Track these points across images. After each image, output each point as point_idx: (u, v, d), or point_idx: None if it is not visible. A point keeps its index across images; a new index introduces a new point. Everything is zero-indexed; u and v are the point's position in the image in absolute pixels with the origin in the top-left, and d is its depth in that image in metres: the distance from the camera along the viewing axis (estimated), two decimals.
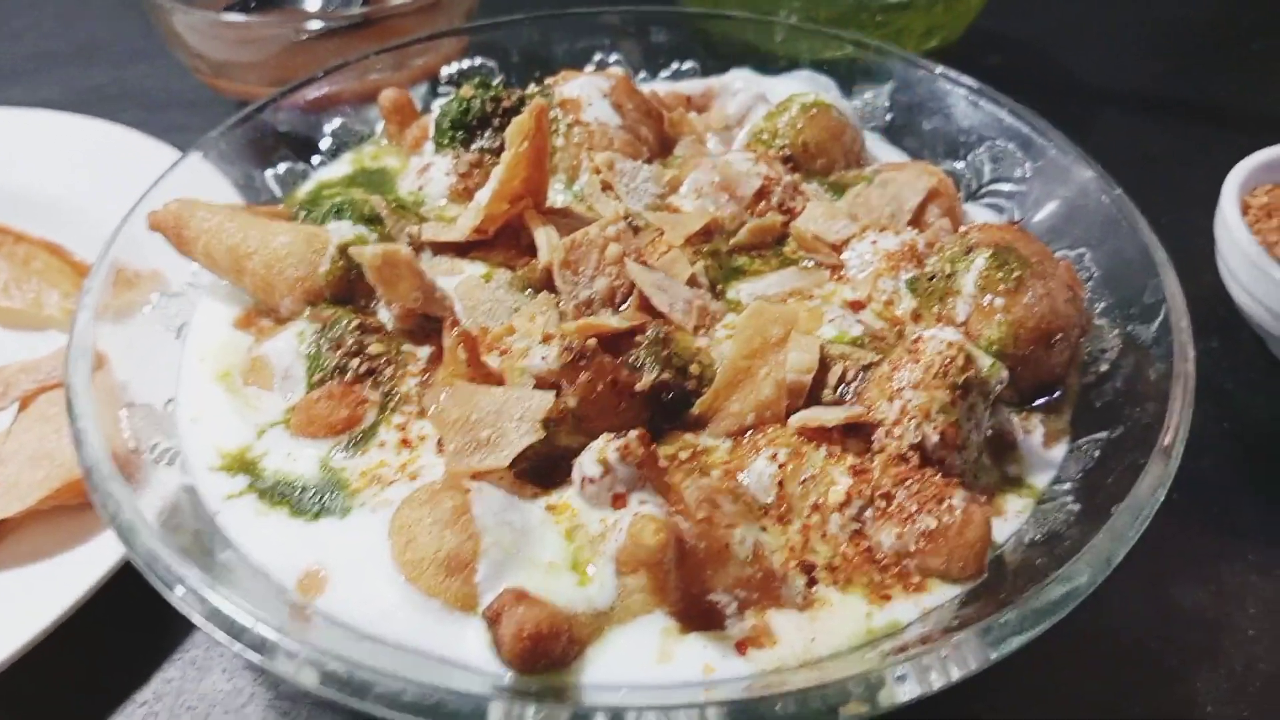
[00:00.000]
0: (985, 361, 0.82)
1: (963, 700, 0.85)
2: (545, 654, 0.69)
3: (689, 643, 0.72)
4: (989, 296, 0.88)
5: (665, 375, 0.85)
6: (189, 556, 0.73)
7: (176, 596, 0.70)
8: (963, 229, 0.98)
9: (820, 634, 0.73)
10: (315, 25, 1.37)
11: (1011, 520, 0.82)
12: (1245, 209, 1.18)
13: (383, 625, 0.74)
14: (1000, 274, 0.89)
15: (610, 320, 0.89)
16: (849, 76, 1.29)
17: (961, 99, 1.19)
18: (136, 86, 1.78)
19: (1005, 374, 0.83)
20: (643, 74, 1.37)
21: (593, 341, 0.84)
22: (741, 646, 0.72)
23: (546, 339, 0.84)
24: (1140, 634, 0.94)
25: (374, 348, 0.91)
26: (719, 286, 1.00)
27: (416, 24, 1.45)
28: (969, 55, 1.64)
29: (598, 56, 1.36)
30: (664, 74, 1.37)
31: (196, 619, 0.69)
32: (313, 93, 1.22)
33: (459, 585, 0.73)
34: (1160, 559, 0.94)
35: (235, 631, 0.67)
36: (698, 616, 0.74)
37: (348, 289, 0.97)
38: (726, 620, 0.74)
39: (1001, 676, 0.71)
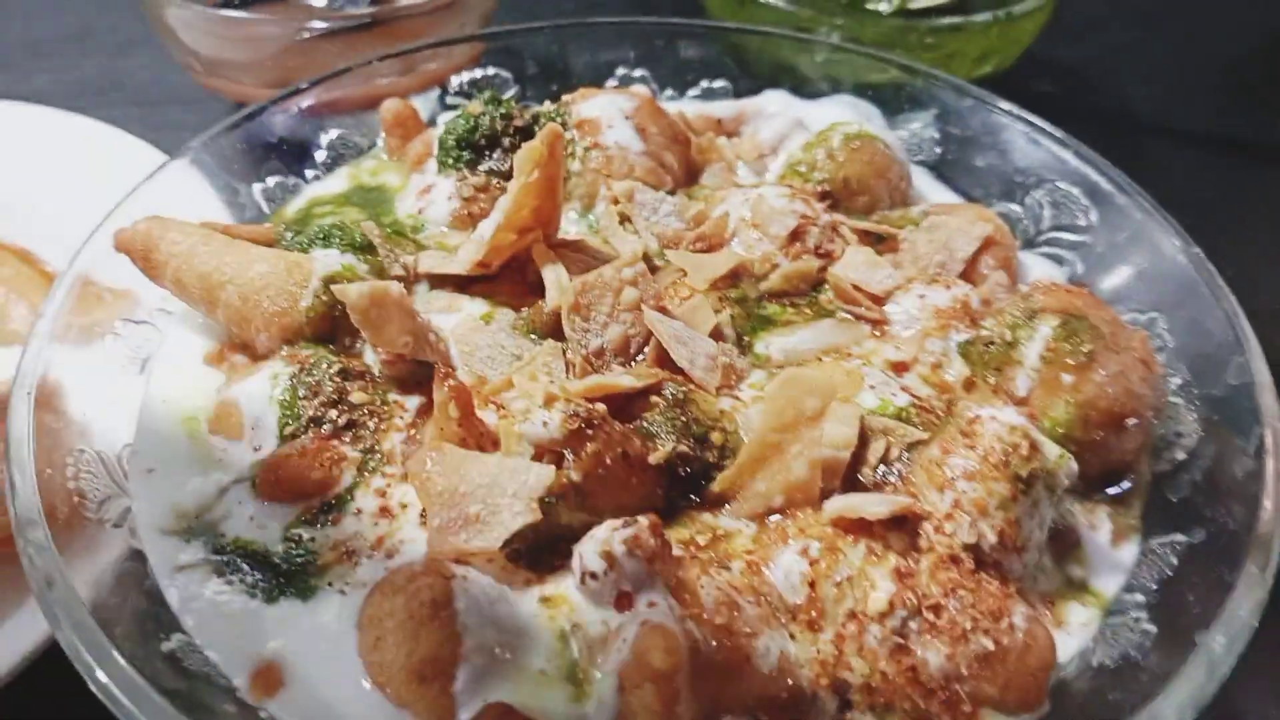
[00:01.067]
0: (1053, 451, 0.72)
1: None
2: None
3: None
4: (1056, 371, 0.77)
5: (683, 446, 0.74)
6: (124, 644, 0.63)
7: (103, 694, 0.60)
8: (1024, 288, 0.87)
9: None
10: (317, 24, 1.26)
11: (1076, 635, 0.72)
12: None
13: None
14: (1069, 346, 0.78)
15: (622, 379, 0.78)
16: (894, 104, 1.18)
17: (1019, 134, 1.09)
18: (130, 79, 1.69)
19: (1075, 466, 0.72)
20: (669, 92, 1.26)
21: (601, 407, 0.73)
22: None
23: (549, 401, 0.73)
24: None
25: (356, 396, 0.81)
26: (746, 339, 0.89)
27: (428, 26, 1.35)
28: (1020, 82, 1.54)
29: (621, 71, 1.26)
30: (692, 92, 1.27)
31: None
32: (311, 99, 1.12)
33: (434, 695, 0.63)
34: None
35: None
36: None
37: (331, 326, 0.87)
38: None
39: None
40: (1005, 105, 1.10)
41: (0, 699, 0.77)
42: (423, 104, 1.24)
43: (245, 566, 0.73)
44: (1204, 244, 1.28)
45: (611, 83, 1.25)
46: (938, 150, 1.15)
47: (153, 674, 0.62)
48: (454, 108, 1.21)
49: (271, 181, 1.09)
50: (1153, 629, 0.69)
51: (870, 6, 1.47)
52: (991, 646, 0.64)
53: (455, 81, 1.23)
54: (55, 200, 1.26)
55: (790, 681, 0.65)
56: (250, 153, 1.08)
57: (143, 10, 1.34)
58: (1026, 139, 1.08)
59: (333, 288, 0.82)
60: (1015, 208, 1.08)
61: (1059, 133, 1.06)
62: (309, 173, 1.12)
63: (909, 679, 0.66)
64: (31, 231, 1.24)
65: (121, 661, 0.61)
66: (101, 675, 0.61)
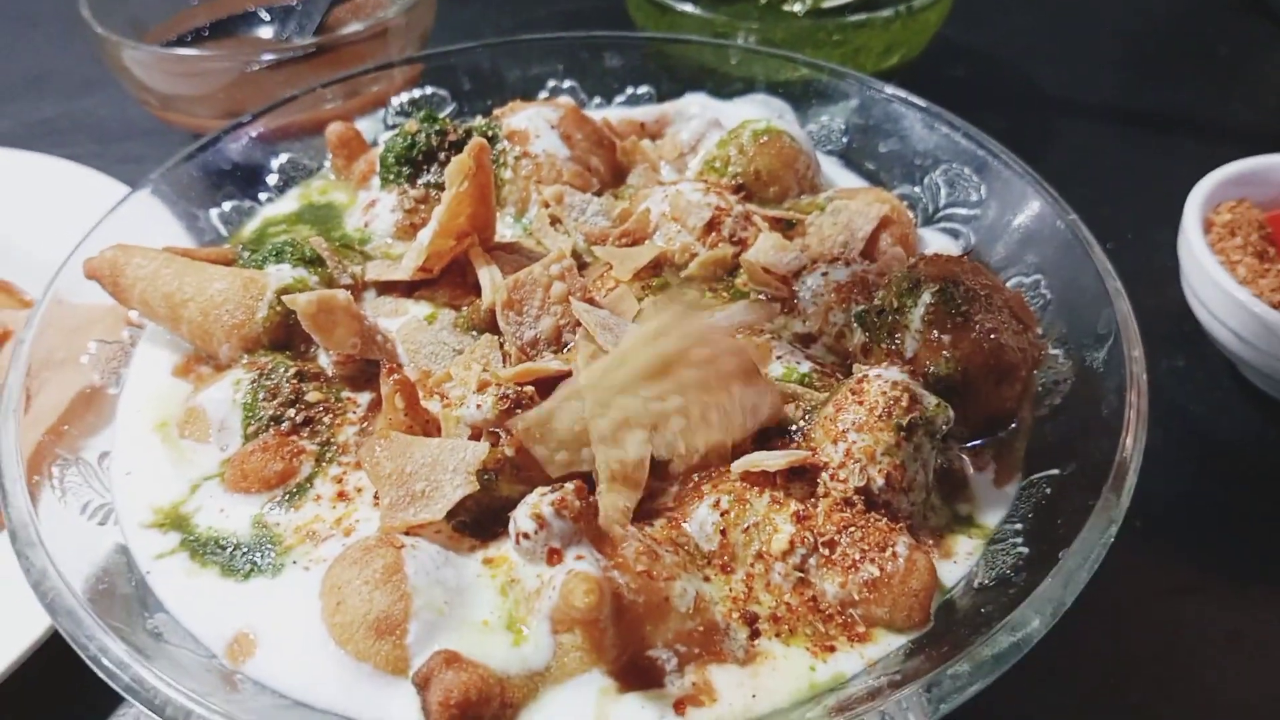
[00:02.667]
0: (930, 401, 0.81)
1: None
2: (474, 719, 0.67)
3: (626, 703, 0.70)
4: (935, 332, 0.86)
5: None
6: (116, 624, 0.71)
7: (103, 671, 0.68)
8: (911, 261, 0.96)
9: (762, 690, 0.71)
10: (266, 57, 1.34)
11: (961, 563, 0.80)
12: (1208, 227, 1.17)
13: (312, 691, 0.71)
14: (946, 308, 0.87)
15: (550, 364, 0.87)
16: (805, 99, 1.27)
17: (917, 122, 1.18)
18: (89, 117, 1.77)
19: (951, 413, 0.81)
20: (598, 99, 1.35)
21: (530, 389, 0.82)
22: (680, 705, 0.70)
23: (482, 387, 0.82)
24: (1101, 667, 0.92)
25: (311, 395, 0.89)
26: None
27: (369, 51, 1.43)
28: (933, 67, 1.63)
29: (551, 83, 1.34)
30: (619, 99, 1.35)
31: (122, 692, 0.67)
32: (261, 127, 1.20)
33: (389, 648, 0.71)
34: (1119, 588, 0.91)
35: (159, 707, 0.65)
36: (636, 674, 0.71)
37: (286, 334, 0.95)
38: (666, 677, 0.72)
39: (956, 714, 0.69)
40: (902, 95, 1.19)
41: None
42: (368, 124, 1.33)
43: (217, 551, 0.81)
44: (1109, 210, 1.38)
45: (543, 94, 1.34)
46: (845, 140, 1.24)
47: (139, 646, 0.71)
48: (395, 127, 1.29)
49: (228, 206, 1.17)
50: (1025, 550, 0.78)
51: (786, 8, 1.56)
52: (877, 573, 0.73)
53: (396, 101, 1.31)
54: (28, 235, 1.34)
55: (705, 617, 0.74)
56: (206, 180, 1.16)
57: (97, 53, 1.42)
58: (923, 125, 1.17)
59: (284, 298, 0.90)
60: (915, 189, 1.17)
61: (951, 117, 1.14)
62: (262, 195, 1.20)
63: (810, 607, 0.75)
64: (8, 265, 1.32)
65: (109, 638, 0.69)
66: (93, 650, 0.69)
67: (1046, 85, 1.78)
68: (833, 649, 0.73)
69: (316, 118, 1.27)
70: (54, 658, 0.86)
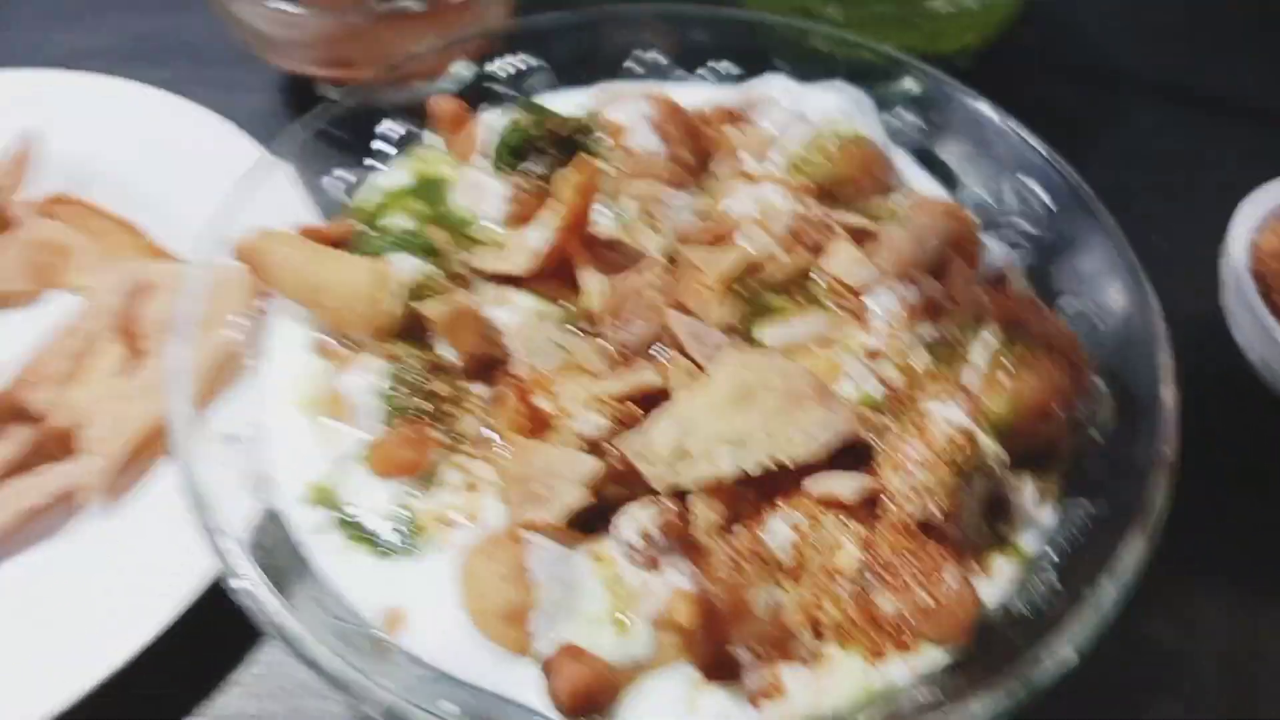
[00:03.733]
0: (988, 445, 0.92)
1: None
2: (594, 706, 0.82)
3: (711, 693, 0.85)
4: (995, 372, 0.97)
5: None
6: (284, 591, 0.86)
7: (275, 631, 0.83)
8: (980, 295, 1.06)
9: (824, 691, 0.86)
10: (368, 16, 1.41)
11: (1000, 583, 0.93)
12: (1255, 249, 1.25)
13: (454, 663, 0.87)
14: (1007, 351, 0.97)
15: (648, 376, 0.98)
16: (885, 89, 1.33)
17: (993, 129, 1.24)
18: (186, 35, 1.81)
19: (1006, 456, 0.93)
20: (679, 71, 1.41)
21: (635, 408, 0.94)
22: (755, 699, 0.85)
23: (594, 404, 0.94)
24: (1106, 665, 1.06)
25: (439, 387, 1.02)
26: (748, 328, 1.09)
27: (466, 5, 1.49)
28: (1007, 33, 1.66)
29: (637, 52, 1.40)
30: (701, 71, 1.42)
31: (300, 662, 0.82)
32: (372, 92, 1.28)
33: (517, 633, 0.86)
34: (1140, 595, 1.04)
35: (329, 675, 0.80)
36: (719, 668, 0.86)
37: (413, 324, 1.06)
38: (744, 672, 0.86)
39: None
40: (983, 103, 1.25)
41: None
42: (461, 69, 1.41)
43: (364, 530, 0.95)
44: (1163, 200, 1.45)
45: (629, 64, 1.40)
46: (919, 137, 1.31)
47: (309, 617, 0.85)
48: (494, 94, 1.36)
49: (343, 173, 1.26)
50: (1057, 584, 0.91)
51: None
52: (928, 599, 0.87)
53: (491, 67, 1.38)
54: (149, 176, 1.44)
55: (778, 622, 0.88)
56: (324, 148, 1.25)
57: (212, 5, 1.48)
58: (998, 134, 1.23)
59: (416, 305, 1.01)
60: (983, 194, 1.25)
61: (1025, 130, 1.21)
62: (372, 161, 1.29)
63: (868, 620, 0.89)
64: (130, 204, 1.43)
65: (287, 612, 0.84)
66: (277, 619, 0.83)
67: (1117, 57, 1.80)
68: (882, 654, 0.88)
69: (414, 71, 1.35)
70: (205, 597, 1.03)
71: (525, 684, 0.85)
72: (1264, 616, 1.12)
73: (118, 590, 1.04)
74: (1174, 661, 1.07)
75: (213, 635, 1.06)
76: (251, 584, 0.85)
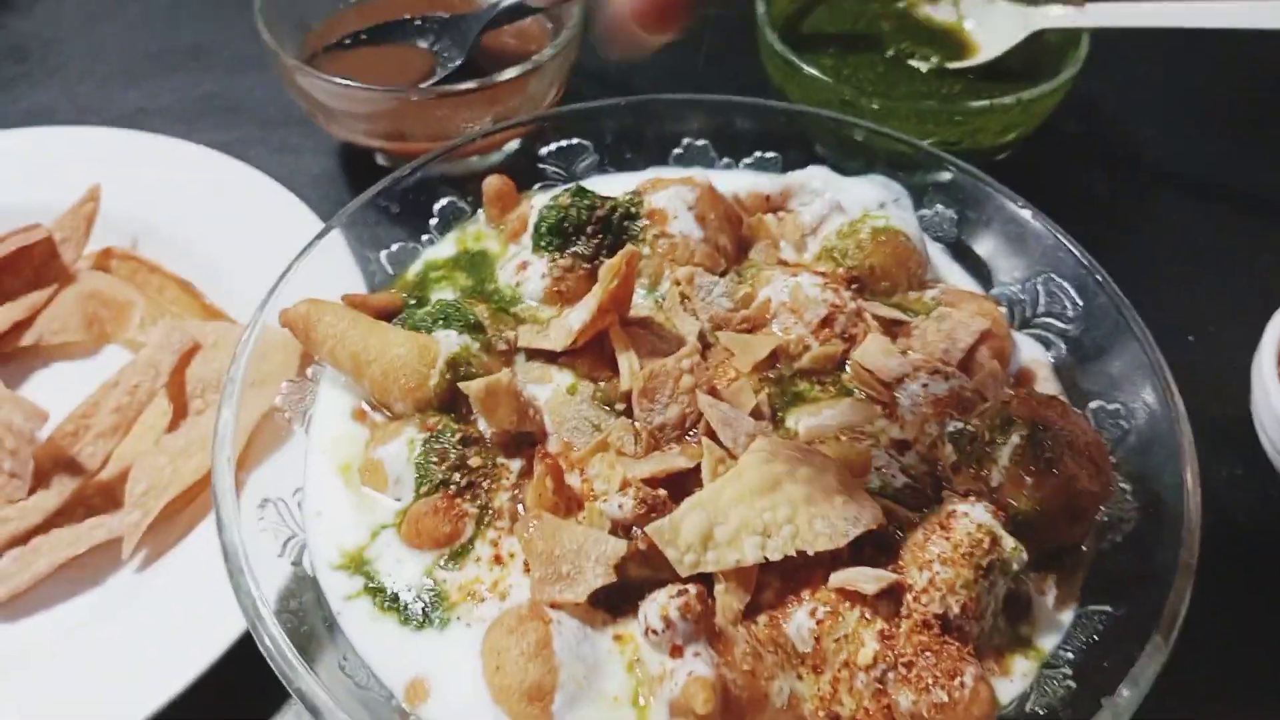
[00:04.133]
0: (1009, 544, 0.93)
1: None
2: None
3: None
4: (1020, 471, 0.98)
5: None
6: (312, 657, 0.88)
7: (300, 698, 0.85)
8: (1007, 393, 1.07)
9: None
10: (426, 93, 1.47)
11: (1017, 682, 0.94)
12: None
13: None
14: (1032, 452, 0.99)
15: (678, 461, 1.01)
16: (922, 182, 1.37)
17: (1028, 227, 1.26)
18: (249, 97, 1.89)
19: (1026, 556, 0.94)
20: (726, 160, 1.45)
21: (663, 494, 0.96)
22: None
23: (624, 486, 0.96)
24: None
25: (473, 460, 1.04)
26: (779, 415, 1.11)
27: (520, 84, 1.54)
28: (1051, 121, 1.68)
29: (686, 140, 1.45)
30: (746, 161, 1.46)
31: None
32: (426, 171, 1.33)
33: (538, 712, 0.87)
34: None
35: None
36: None
37: (452, 396, 1.10)
38: None
39: None
40: (1018, 202, 1.27)
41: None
42: (513, 144, 1.46)
43: (395, 600, 0.97)
44: (1193, 296, 1.46)
45: (677, 151, 1.45)
46: (955, 230, 1.34)
47: (332, 683, 0.88)
48: (544, 174, 1.41)
49: (395, 247, 1.31)
50: (1074, 685, 0.91)
51: (911, 63, 1.64)
52: (946, 698, 0.87)
53: (544, 151, 1.43)
54: (207, 238, 1.49)
55: (796, 712, 0.89)
56: (378, 222, 1.30)
57: (273, 65, 1.55)
58: (1033, 232, 1.26)
59: (460, 385, 1.05)
60: (1016, 290, 1.27)
61: (1058, 229, 1.23)
62: (424, 236, 1.34)
63: (884, 714, 0.90)
64: (188, 264, 1.48)
65: (312, 680, 0.86)
66: (302, 685, 0.86)
67: (1155, 148, 1.82)
68: None
69: (468, 148, 1.40)
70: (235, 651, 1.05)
71: None
72: None
73: (148, 644, 1.07)
74: None
75: (239, 695, 1.09)
76: (277, 646, 0.87)
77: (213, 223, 1.50)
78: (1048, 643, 0.97)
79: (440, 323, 1.13)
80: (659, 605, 0.90)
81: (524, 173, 1.41)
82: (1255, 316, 1.30)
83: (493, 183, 1.33)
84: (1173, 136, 1.85)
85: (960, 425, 1.06)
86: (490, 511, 1.02)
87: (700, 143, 1.45)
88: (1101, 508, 1.03)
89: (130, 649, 1.08)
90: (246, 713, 1.10)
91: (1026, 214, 1.27)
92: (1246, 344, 1.30)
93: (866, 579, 0.93)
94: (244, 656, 0.99)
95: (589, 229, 1.24)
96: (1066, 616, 0.99)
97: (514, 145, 1.48)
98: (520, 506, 1.03)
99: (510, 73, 1.47)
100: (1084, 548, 1.03)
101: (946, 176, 1.35)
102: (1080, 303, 1.20)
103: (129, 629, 1.10)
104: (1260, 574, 1.24)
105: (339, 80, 1.45)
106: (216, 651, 1.05)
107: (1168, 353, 1.09)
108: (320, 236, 1.22)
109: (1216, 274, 1.59)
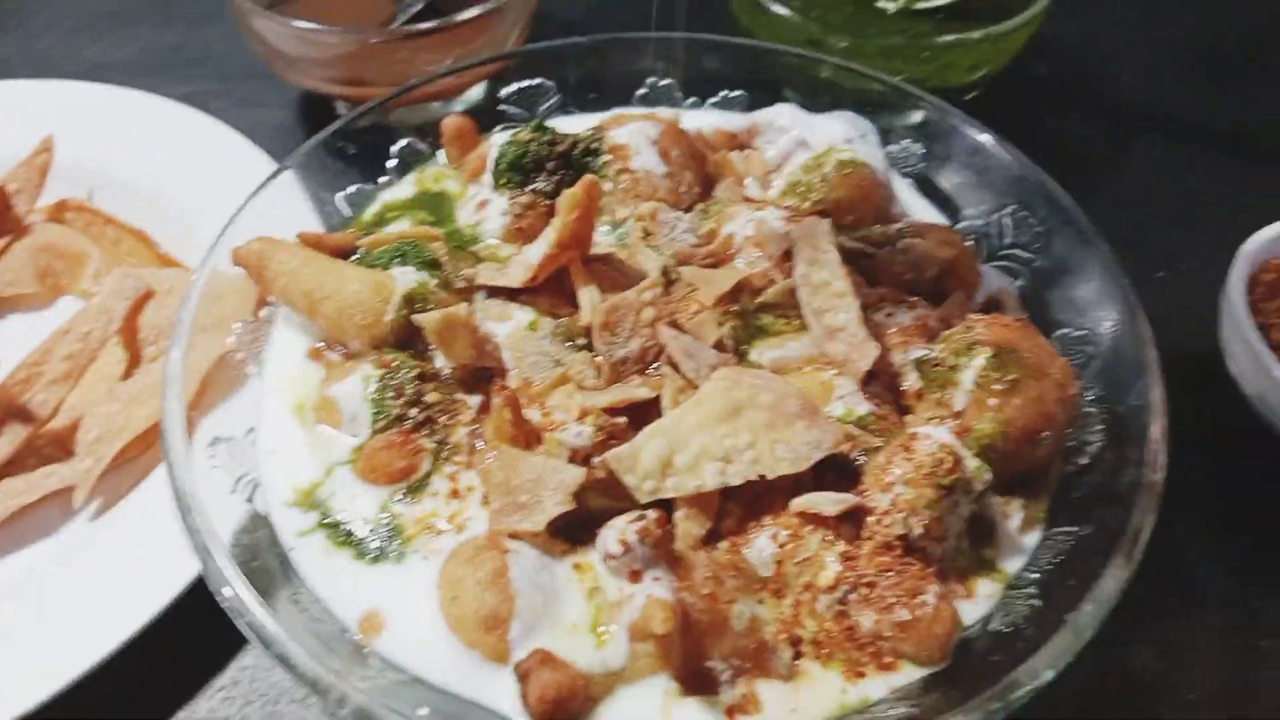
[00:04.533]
0: (972, 464, 0.92)
1: None
2: (564, 712, 0.82)
3: (686, 706, 0.85)
4: (984, 395, 0.97)
5: None
6: (264, 592, 0.86)
7: (252, 633, 0.83)
8: (971, 318, 1.05)
9: (801, 705, 0.85)
10: (386, 34, 1.44)
11: (981, 604, 0.93)
12: (1254, 284, 1.24)
13: (429, 669, 0.87)
14: (997, 374, 0.97)
15: (639, 391, 0.99)
16: (889, 119, 1.35)
17: (994, 158, 1.25)
18: (211, 50, 1.87)
19: (989, 476, 0.93)
20: (692, 99, 1.43)
21: (623, 420, 0.94)
22: (731, 712, 0.85)
23: (583, 415, 0.95)
24: (1084, 691, 1.05)
25: (430, 396, 1.02)
26: (743, 348, 1.09)
27: (482, 26, 1.51)
28: (1019, 64, 1.66)
29: (651, 80, 1.42)
30: (712, 100, 1.43)
31: (275, 661, 0.82)
32: (384, 112, 1.30)
33: (495, 640, 0.86)
34: (1116, 619, 1.02)
35: (304, 677, 0.80)
36: (696, 681, 0.86)
37: (409, 333, 1.07)
38: (720, 686, 0.86)
39: None
40: (985, 133, 1.25)
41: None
42: (475, 90, 1.44)
43: (350, 534, 0.95)
44: (1172, 237, 1.45)
45: (641, 91, 1.42)
46: (922, 164, 1.32)
47: (284, 617, 0.86)
48: (506, 115, 1.39)
49: (352, 188, 1.28)
50: (1039, 604, 0.90)
51: (878, 4, 1.62)
52: (908, 616, 0.86)
53: (505, 91, 1.40)
54: (164, 188, 1.46)
55: (757, 637, 0.88)
56: (334, 163, 1.27)
57: (234, 21, 1.51)
58: (997, 163, 1.24)
59: (413, 317, 1.02)
60: (984, 223, 1.25)
61: (1024, 160, 1.22)
62: (382, 178, 1.31)
63: (847, 635, 0.88)
64: (144, 214, 1.45)
65: (263, 611, 0.84)
66: (253, 618, 0.83)
67: (1128, 91, 1.81)
68: (863, 675, 0.87)
69: (429, 92, 1.37)
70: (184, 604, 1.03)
71: (500, 691, 0.85)
72: (1253, 646, 1.11)
73: (101, 591, 1.05)
74: (1160, 691, 1.05)
75: (195, 640, 1.07)
76: (231, 584, 0.85)
77: (170, 173, 1.47)
78: (1012, 565, 0.96)
79: (397, 260, 1.11)
80: (617, 530, 0.89)
81: (486, 117, 1.39)
82: (1226, 254, 1.28)
83: (452, 122, 1.30)
84: (1143, 79, 1.84)
85: (925, 351, 1.05)
86: (448, 446, 1.00)
87: (665, 82, 1.43)
88: (1068, 431, 1.01)
89: (83, 596, 1.05)
90: (206, 658, 1.07)
91: (991, 143, 1.25)
92: (1216, 280, 1.29)
93: (827, 501, 0.92)
94: (202, 605, 0.96)
95: (549, 165, 1.21)
96: (1032, 540, 0.98)
97: (477, 95, 1.46)
98: (479, 442, 1.01)
99: (471, 12, 1.45)
100: (1050, 472, 1.01)
101: (916, 117, 1.33)
102: (1046, 231, 1.19)
103: (82, 577, 1.07)
104: (1232, 501, 1.23)
105: (296, 23, 1.42)
106: (171, 595, 1.03)
107: (1138, 289, 1.08)
108: (273, 177, 1.20)
109: (1187, 214, 1.57)
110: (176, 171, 1.47)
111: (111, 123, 1.56)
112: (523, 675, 0.84)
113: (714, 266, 1.16)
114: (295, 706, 1.04)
